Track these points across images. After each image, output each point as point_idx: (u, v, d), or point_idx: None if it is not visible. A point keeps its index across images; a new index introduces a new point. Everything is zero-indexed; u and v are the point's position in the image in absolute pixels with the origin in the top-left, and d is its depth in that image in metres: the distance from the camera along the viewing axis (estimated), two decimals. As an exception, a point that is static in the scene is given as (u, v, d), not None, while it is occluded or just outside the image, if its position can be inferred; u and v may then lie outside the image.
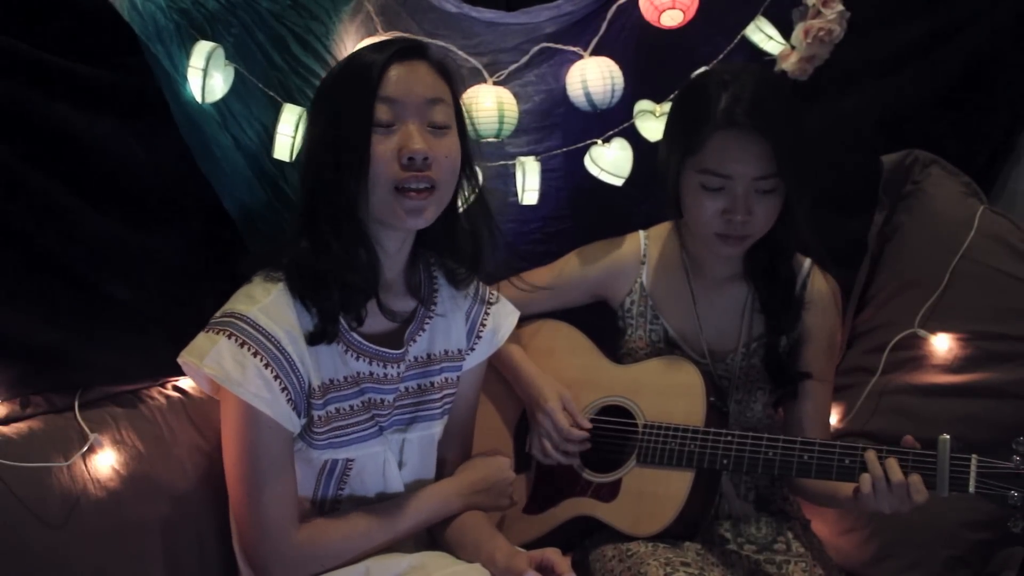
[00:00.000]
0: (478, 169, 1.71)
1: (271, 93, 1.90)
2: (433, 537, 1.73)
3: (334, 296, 1.56)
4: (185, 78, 1.81)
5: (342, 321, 1.59)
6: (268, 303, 1.54)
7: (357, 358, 1.61)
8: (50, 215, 1.71)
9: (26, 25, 1.66)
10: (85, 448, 1.67)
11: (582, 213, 2.18)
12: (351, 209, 1.54)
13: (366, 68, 1.53)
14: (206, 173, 1.88)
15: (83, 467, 1.67)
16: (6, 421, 1.66)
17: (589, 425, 1.84)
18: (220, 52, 1.82)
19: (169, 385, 1.86)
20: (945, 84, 2.22)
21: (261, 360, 1.50)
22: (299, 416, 1.56)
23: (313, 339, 1.55)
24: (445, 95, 1.59)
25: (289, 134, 1.88)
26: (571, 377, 1.91)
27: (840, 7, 2.01)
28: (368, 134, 1.51)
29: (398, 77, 1.54)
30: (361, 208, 1.55)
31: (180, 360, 1.55)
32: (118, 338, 1.79)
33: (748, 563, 1.79)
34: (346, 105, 1.53)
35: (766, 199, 1.72)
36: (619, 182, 2.05)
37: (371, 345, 1.62)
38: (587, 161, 2.05)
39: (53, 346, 1.72)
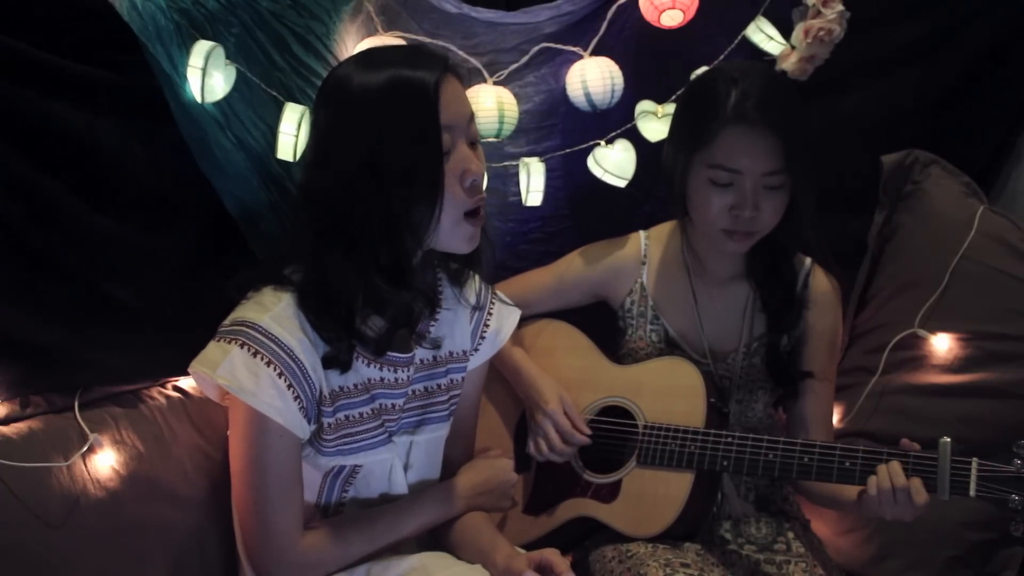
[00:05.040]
0: None
1: (273, 92, 1.90)
2: (435, 537, 1.73)
3: (364, 335, 1.53)
4: (185, 78, 1.80)
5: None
6: (279, 311, 1.50)
7: (368, 364, 1.59)
8: (50, 215, 1.71)
9: (26, 25, 1.65)
10: (85, 448, 1.67)
11: (582, 213, 2.18)
12: (417, 243, 1.49)
13: (422, 92, 1.43)
14: (206, 173, 1.88)
15: (83, 467, 1.67)
16: (6, 421, 1.66)
17: (588, 431, 1.84)
18: (220, 51, 1.82)
19: (169, 385, 1.86)
20: (945, 84, 2.22)
21: (275, 369, 1.48)
22: (310, 423, 1.54)
23: (327, 364, 1.54)
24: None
25: (292, 132, 1.87)
26: (571, 377, 1.90)
27: (840, 7, 2.01)
28: (441, 161, 1.45)
29: (448, 100, 1.46)
30: (425, 240, 1.50)
31: (191, 370, 1.52)
32: (118, 338, 1.79)
33: (748, 563, 1.79)
34: (406, 132, 1.44)
35: (773, 195, 1.72)
36: (623, 184, 2.04)
37: None
38: (591, 162, 2.04)
39: (53, 346, 1.72)
